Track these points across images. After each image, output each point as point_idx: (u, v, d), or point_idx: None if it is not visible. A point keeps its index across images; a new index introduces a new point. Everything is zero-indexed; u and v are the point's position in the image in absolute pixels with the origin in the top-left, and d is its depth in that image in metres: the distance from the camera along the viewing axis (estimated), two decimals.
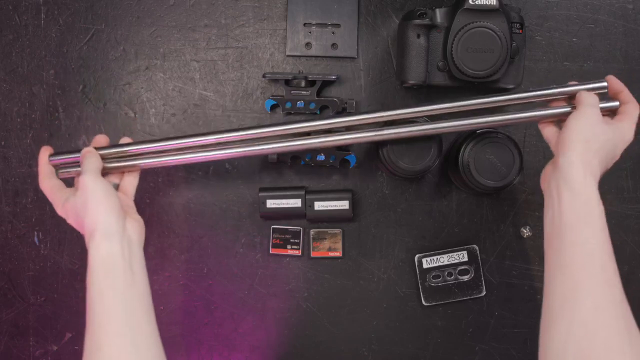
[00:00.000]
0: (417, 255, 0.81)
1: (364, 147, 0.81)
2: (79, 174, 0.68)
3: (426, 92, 0.80)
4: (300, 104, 0.78)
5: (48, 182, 0.70)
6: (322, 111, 0.80)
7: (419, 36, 0.74)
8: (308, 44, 0.80)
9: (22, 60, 0.80)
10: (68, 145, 0.80)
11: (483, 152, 0.73)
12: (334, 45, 0.80)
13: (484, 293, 0.81)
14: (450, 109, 0.70)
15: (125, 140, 0.73)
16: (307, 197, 0.79)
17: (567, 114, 0.66)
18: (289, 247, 0.81)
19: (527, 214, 0.81)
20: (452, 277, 0.81)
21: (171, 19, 0.80)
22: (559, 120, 0.68)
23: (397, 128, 0.71)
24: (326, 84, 0.79)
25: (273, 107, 0.80)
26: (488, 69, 0.72)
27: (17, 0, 0.79)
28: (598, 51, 0.80)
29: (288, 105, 0.78)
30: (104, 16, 0.80)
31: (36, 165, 0.81)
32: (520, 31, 0.73)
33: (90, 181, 0.65)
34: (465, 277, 0.81)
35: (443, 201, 0.81)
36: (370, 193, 0.81)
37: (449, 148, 0.79)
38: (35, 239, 0.81)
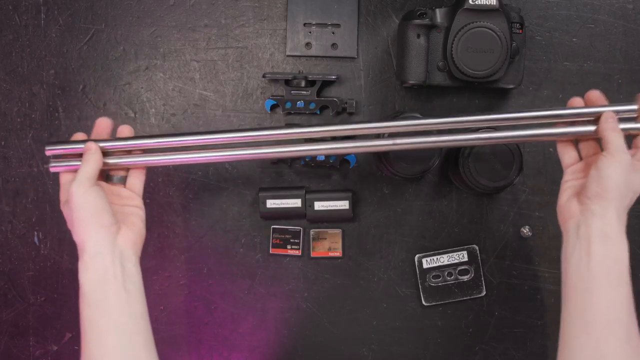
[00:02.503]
0: (417, 255, 0.81)
1: None
2: (75, 172, 0.63)
3: (426, 92, 0.80)
4: (300, 104, 0.78)
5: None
6: (322, 111, 0.80)
7: (419, 36, 0.74)
8: (308, 44, 0.80)
9: (22, 60, 0.80)
10: None
11: (483, 152, 0.73)
12: (334, 45, 0.80)
13: (484, 293, 0.81)
14: (459, 123, 0.68)
15: (124, 129, 0.68)
16: (307, 197, 0.79)
17: (584, 134, 0.64)
18: (289, 247, 0.81)
19: (527, 214, 0.81)
20: (452, 277, 0.81)
21: (171, 19, 0.80)
22: (576, 140, 0.66)
23: (405, 138, 0.68)
24: (326, 84, 0.79)
25: (273, 107, 0.80)
26: (488, 69, 0.72)
27: (17, 0, 0.79)
28: (598, 51, 0.80)
29: (288, 105, 0.78)
30: (104, 16, 0.80)
31: (36, 165, 0.81)
32: (520, 31, 0.73)
33: (80, 195, 0.59)
34: (465, 277, 0.81)
35: (443, 201, 0.81)
36: (370, 193, 0.81)
37: (449, 148, 0.79)
38: (35, 239, 0.81)
